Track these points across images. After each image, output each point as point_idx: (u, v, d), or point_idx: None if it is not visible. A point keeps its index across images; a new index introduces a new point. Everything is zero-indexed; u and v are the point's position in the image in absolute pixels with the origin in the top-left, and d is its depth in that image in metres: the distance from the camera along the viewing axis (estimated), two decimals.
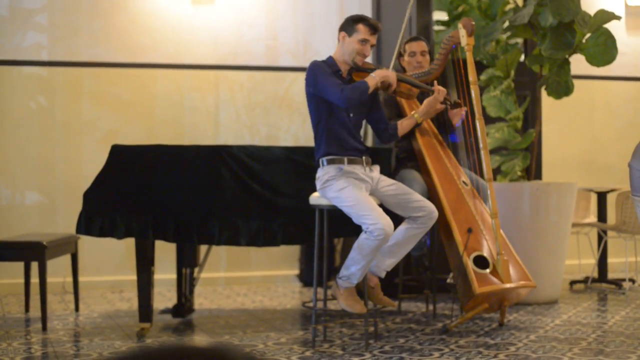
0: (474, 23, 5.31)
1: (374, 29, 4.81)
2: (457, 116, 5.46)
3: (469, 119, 5.44)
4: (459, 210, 5.31)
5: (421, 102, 5.59)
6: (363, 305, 4.78)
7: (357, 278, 4.73)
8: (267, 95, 7.70)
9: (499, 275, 5.08)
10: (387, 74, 4.87)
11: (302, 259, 7.63)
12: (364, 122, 5.11)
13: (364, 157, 4.87)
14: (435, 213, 4.89)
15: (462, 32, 5.29)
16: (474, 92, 5.24)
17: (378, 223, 4.54)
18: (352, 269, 4.70)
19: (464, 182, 5.47)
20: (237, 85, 7.63)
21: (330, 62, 4.90)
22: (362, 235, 4.62)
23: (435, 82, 5.39)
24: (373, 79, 4.78)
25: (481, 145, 5.24)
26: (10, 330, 5.42)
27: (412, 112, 5.26)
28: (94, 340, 5.08)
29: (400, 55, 5.85)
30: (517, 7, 6.44)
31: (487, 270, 5.10)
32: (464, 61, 5.41)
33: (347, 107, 4.75)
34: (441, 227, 5.34)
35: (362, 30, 4.79)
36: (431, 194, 5.44)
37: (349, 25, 4.83)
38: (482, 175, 5.44)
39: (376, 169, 4.96)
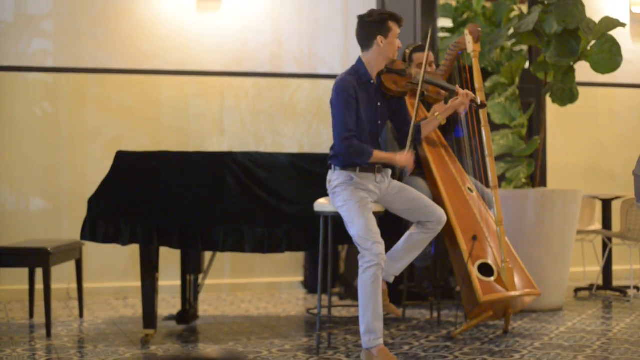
0: (480, 29, 5.30)
1: (401, 21, 4.77)
2: (462, 105, 5.39)
3: (475, 126, 5.41)
4: (464, 217, 5.30)
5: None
6: None
7: (379, 328, 4.56)
8: (272, 102, 7.70)
9: (504, 283, 5.08)
10: (406, 162, 4.75)
11: (307, 266, 7.62)
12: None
13: (376, 166, 4.78)
14: (444, 218, 4.86)
15: (469, 39, 5.28)
16: (480, 98, 5.22)
17: (372, 249, 4.52)
18: (367, 316, 4.53)
19: (469, 188, 5.46)
20: (242, 92, 7.64)
21: (362, 71, 4.74)
22: (360, 275, 4.56)
23: (457, 86, 5.31)
24: (386, 157, 4.74)
25: (487, 152, 5.23)
26: (15, 337, 5.42)
27: (436, 114, 5.08)
28: (98, 346, 5.08)
29: (404, 61, 5.78)
30: (522, 14, 6.44)
31: (492, 278, 5.10)
32: (470, 68, 5.40)
33: (338, 150, 4.68)
34: (446, 234, 5.33)
35: (394, 27, 4.72)
36: (436, 201, 5.42)
37: (381, 26, 4.68)
38: (487, 183, 5.42)
39: (387, 173, 4.89)
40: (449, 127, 5.66)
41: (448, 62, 5.43)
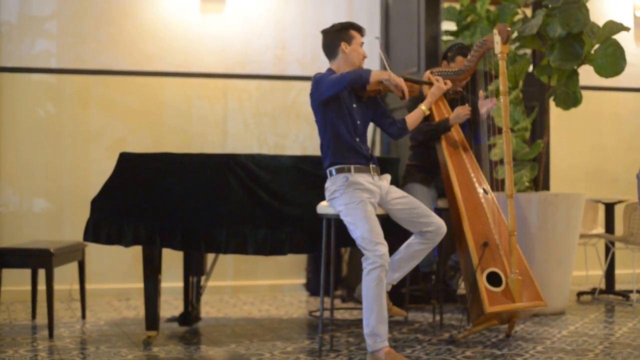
0: (509, 29, 5.11)
1: (362, 30, 4.92)
2: (484, 107, 5.38)
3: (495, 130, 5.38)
4: (476, 222, 5.25)
5: (453, 108, 5.56)
6: None
7: (384, 331, 4.57)
8: (275, 104, 7.70)
9: (511, 294, 5.04)
10: (388, 76, 4.79)
11: (309, 268, 7.62)
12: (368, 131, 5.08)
13: (371, 165, 4.84)
14: (444, 229, 4.83)
15: (497, 39, 5.10)
16: (504, 102, 5.17)
17: (376, 250, 4.53)
18: (372, 318, 4.54)
19: (484, 189, 5.41)
20: (246, 94, 7.64)
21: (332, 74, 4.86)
22: (364, 277, 4.56)
23: (429, 75, 5.28)
24: (377, 75, 4.72)
25: (505, 159, 5.17)
26: (17, 337, 5.42)
27: (420, 105, 5.12)
28: (101, 347, 5.08)
29: (444, 57, 5.75)
30: (525, 18, 6.43)
31: (500, 289, 5.05)
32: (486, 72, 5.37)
33: (341, 76, 4.69)
34: (457, 236, 5.31)
35: (357, 36, 4.88)
36: (450, 203, 5.40)
37: (343, 34, 4.86)
38: (502, 190, 5.37)
39: (387, 178, 4.91)
40: (470, 133, 5.63)
41: (474, 59, 5.29)
